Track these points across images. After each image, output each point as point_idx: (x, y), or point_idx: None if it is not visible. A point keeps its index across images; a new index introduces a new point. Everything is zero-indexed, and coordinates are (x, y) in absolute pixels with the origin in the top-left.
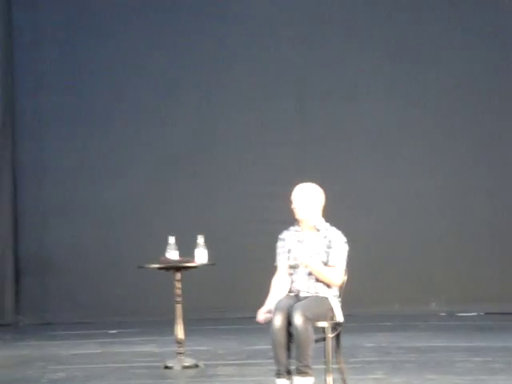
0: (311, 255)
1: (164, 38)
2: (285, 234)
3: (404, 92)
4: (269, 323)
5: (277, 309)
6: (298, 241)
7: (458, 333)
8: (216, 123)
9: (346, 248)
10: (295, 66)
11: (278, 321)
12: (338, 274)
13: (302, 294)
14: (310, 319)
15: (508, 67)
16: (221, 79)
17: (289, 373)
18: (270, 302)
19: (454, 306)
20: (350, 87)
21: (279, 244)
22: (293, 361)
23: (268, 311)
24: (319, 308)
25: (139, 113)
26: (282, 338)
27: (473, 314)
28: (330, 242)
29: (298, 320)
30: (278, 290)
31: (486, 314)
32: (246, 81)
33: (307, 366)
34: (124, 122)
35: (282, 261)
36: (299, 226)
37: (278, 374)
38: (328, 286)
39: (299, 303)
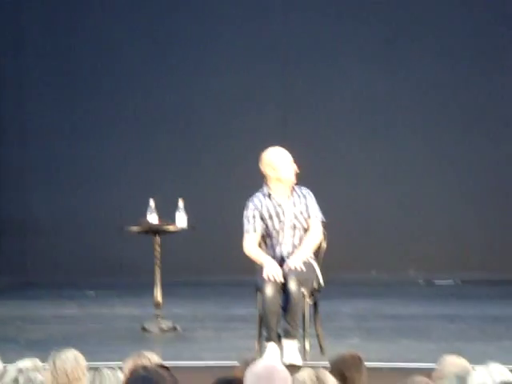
0: (295, 216)
1: None
2: (256, 201)
3: (389, 54)
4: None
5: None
6: (278, 205)
7: (434, 300)
8: (201, 88)
9: (315, 200)
10: (278, 31)
11: (271, 290)
12: (318, 226)
13: (287, 257)
14: (303, 285)
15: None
16: (204, 46)
17: (278, 337)
18: (271, 260)
19: (431, 273)
20: (333, 50)
21: (252, 212)
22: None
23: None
24: (309, 273)
25: (123, 75)
26: (274, 306)
27: (450, 282)
28: (305, 197)
29: (292, 285)
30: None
31: (463, 282)
32: (229, 48)
33: (296, 330)
34: (107, 84)
35: (257, 226)
36: (270, 190)
37: (269, 339)
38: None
39: (292, 269)
